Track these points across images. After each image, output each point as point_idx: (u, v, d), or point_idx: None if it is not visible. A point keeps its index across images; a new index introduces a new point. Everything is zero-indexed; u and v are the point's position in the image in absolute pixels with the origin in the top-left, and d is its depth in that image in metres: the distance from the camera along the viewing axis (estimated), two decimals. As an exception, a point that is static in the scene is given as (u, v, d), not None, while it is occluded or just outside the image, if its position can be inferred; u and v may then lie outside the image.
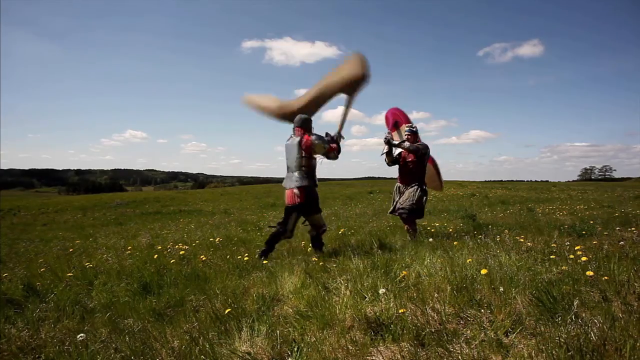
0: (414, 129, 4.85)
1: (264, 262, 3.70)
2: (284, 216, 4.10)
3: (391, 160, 4.92)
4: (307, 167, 3.98)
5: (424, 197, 4.74)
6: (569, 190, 25.44)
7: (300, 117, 4.06)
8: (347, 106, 4.20)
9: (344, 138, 4.25)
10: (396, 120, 5.33)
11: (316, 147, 3.95)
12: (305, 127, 4.05)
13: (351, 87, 4.07)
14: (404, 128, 5.05)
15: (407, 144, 4.70)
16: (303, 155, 3.94)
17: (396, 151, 4.92)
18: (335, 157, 4.18)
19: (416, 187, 4.70)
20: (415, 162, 4.72)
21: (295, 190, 3.91)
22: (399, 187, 4.89)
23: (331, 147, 4.06)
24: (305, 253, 4.19)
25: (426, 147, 4.73)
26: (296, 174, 3.96)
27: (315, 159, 4.09)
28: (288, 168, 4.09)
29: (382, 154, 4.91)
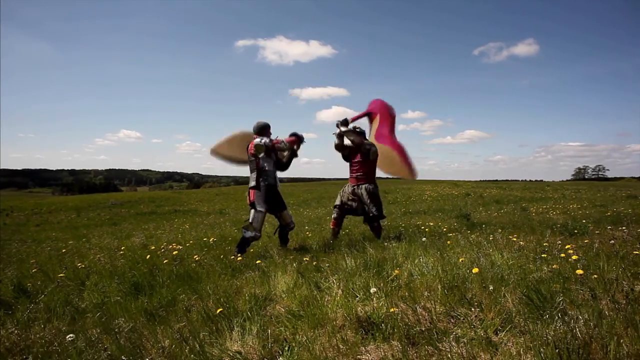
0: (358, 130, 4.72)
1: (257, 262, 3.69)
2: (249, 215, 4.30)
3: (340, 145, 4.73)
4: (256, 169, 4.18)
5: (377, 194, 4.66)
6: (562, 190, 25.63)
7: (258, 123, 4.32)
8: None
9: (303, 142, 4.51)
10: (371, 111, 5.07)
11: (256, 148, 4.09)
12: (260, 134, 4.28)
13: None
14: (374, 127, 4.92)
15: (353, 137, 4.56)
16: (251, 159, 4.19)
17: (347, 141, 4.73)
18: (289, 156, 4.46)
19: (372, 186, 4.62)
20: (361, 162, 4.63)
21: (249, 191, 4.23)
22: (354, 188, 4.68)
23: (274, 143, 4.20)
24: (299, 253, 4.19)
25: (372, 146, 4.62)
26: (251, 175, 4.24)
27: (261, 160, 4.19)
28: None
29: (334, 134, 4.76)
